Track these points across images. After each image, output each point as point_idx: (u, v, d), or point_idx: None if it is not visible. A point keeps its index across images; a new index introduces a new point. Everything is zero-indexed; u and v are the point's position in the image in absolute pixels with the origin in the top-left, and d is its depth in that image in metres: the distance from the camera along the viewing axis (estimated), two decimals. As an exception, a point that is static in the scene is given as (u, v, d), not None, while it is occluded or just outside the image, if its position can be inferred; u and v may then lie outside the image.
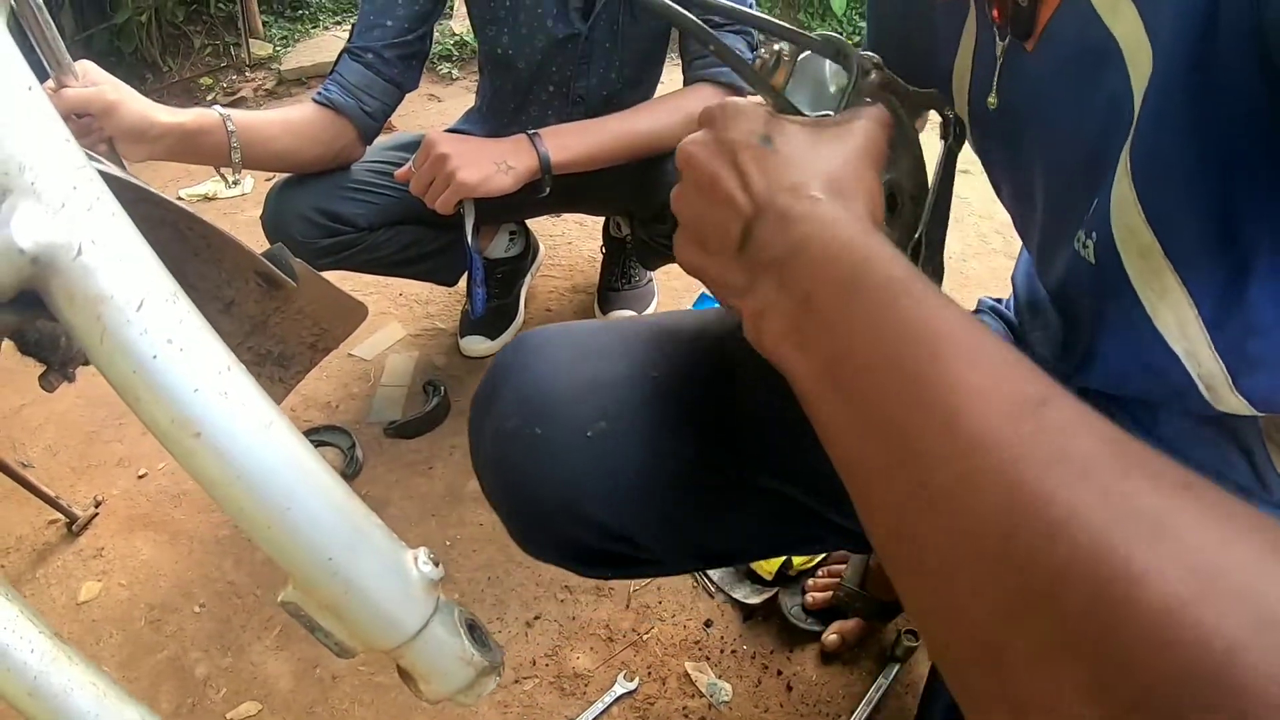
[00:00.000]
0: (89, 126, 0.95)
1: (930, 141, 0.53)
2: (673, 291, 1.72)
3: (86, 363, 0.43)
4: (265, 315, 0.55)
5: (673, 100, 1.22)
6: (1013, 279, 0.73)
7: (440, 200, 1.11)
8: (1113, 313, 0.52)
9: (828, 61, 0.50)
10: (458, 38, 2.91)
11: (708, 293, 1.45)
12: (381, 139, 1.32)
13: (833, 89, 0.50)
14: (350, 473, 1.34)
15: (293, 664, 1.08)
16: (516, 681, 1.05)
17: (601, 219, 1.65)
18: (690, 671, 1.05)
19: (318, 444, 1.37)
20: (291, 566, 0.34)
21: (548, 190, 1.15)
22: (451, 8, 3.03)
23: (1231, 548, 0.22)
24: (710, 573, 1.15)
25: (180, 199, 2.08)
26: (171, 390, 0.31)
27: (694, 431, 0.60)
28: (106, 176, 0.32)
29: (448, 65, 2.85)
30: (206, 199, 2.15)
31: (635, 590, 1.15)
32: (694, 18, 0.47)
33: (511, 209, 1.36)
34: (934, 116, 0.54)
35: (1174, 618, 0.21)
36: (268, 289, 0.53)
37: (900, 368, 0.31)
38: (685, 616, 1.12)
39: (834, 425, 0.34)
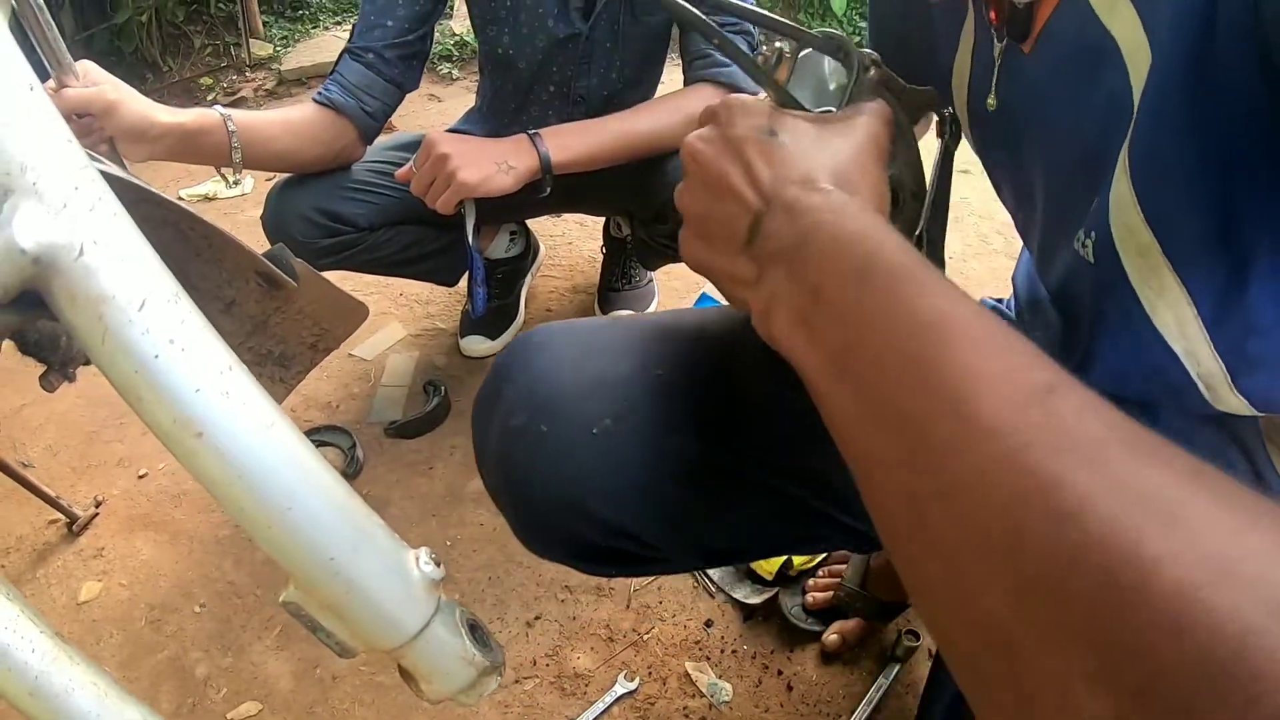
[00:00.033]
0: (90, 126, 0.95)
1: (928, 141, 0.53)
2: (673, 291, 1.72)
3: (87, 362, 0.43)
4: (266, 315, 0.55)
5: (673, 100, 1.22)
6: (1013, 279, 0.73)
7: (441, 200, 1.11)
8: (1112, 312, 0.52)
9: (827, 59, 0.50)
10: (458, 38, 2.91)
11: (708, 293, 1.45)
12: (382, 139, 1.32)
13: (832, 86, 0.50)
14: (351, 473, 1.34)
15: (293, 664, 1.08)
16: (517, 681, 1.05)
17: (602, 219, 1.65)
18: (691, 671, 1.05)
19: (318, 444, 1.37)
20: (293, 566, 0.34)
21: (548, 190, 1.15)
22: (452, 8, 3.03)
23: (1243, 534, 0.22)
24: (711, 573, 1.15)
25: (181, 199, 2.07)
26: (173, 390, 0.31)
27: (698, 429, 0.60)
28: (108, 177, 0.32)
29: (448, 65, 2.85)
30: (207, 199, 2.15)
31: (636, 590, 1.15)
32: (698, 12, 0.47)
33: (512, 209, 1.36)
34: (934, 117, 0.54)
35: (1187, 603, 0.21)
36: (268, 289, 0.53)
37: (909, 356, 0.31)
38: (686, 616, 1.12)
39: (843, 415, 0.34)
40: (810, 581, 1.10)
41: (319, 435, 1.40)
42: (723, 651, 1.07)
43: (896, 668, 1.04)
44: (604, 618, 1.12)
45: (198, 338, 0.32)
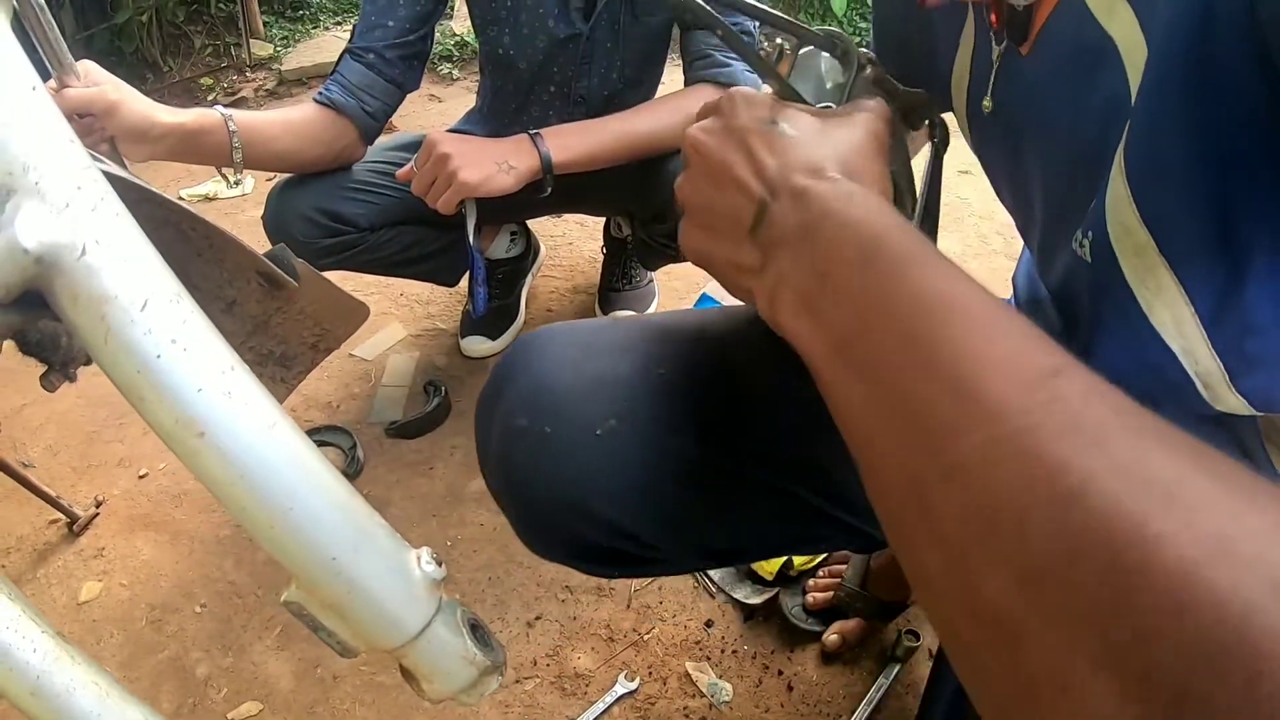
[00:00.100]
0: (91, 126, 0.95)
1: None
2: (673, 291, 1.72)
3: (88, 362, 0.43)
4: (267, 315, 0.55)
5: (674, 100, 1.23)
6: (1013, 279, 0.73)
7: (442, 200, 1.11)
8: (1109, 311, 0.52)
9: (825, 59, 0.50)
10: (458, 38, 2.91)
11: (709, 293, 1.45)
12: (382, 139, 1.32)
13: (829, 85, 0.51)
14: (351, 473, 1.34)
15: (294, 664, 1.08)
16: (517, 681, 1.05)
17: (602, 219, 1.65)
18: (691, 671, 1.05)
19: (319, 444, 1.37)
20: (295, 566, 0.34)
21: (549, 190, 1.16)
22: (452, 8, 3.03)
23: (1245, 515, 0.22)
24: (711, 573, 1.15)
25: (181, 199, 2.08)
26: (175, 390, 0.31)
27: (700, 428, 0.60)
28: (110, 176, 0.32)
29: (448, 65, 2.85)
30: (208, 199, 2.15)
31: (636, 590, 1.15)
32: (703, 4, 0.48)
33: (513, 209, 1.36)
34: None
35: (1189, 582, 0.21)
36: (269, 289, 0.54)
37: (914, 338, 0.31)
38: (686, 616, 1.12)
39: (848, 398, 0.34)
40: (810, 582, 1.10)
41: (320, 435, 1.40)
42: (723, 651, 1.08)
43: (897, 668, 1.04)
44: (604, 618, 1.12)
45: (200, 338, 0.32)
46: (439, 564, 0.38)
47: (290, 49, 3.01)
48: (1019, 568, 0.24)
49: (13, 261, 0.28)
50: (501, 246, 1.60)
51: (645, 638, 1.09)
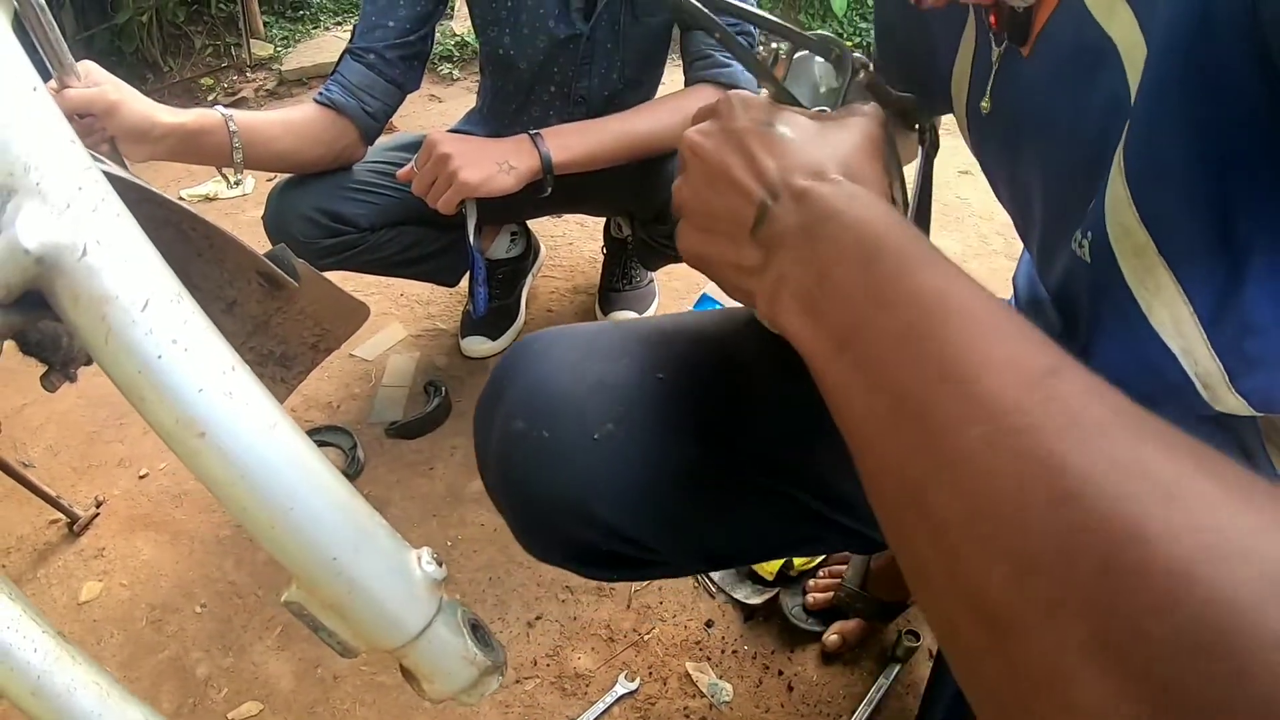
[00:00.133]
0: (91, 127, 0.95)
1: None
2: (673, 292, 1.72)
3: (88, 362, 0.43)
4: (267, 315, 0.55)
5: (673, 101, 1.23)
6: (1013, 279, 0.73)
7: (442, 200, 1.12)
8: (1109, 311, 0.52)
9: (819, 63, 0.51)
10: (459, 38, 2.91)
11: (709, 294, 1.45)
12: (383, 139, 1.32)
13: (824, 89, 0.51)
14: (352, 473, 1.34)
15: (294, 664, 1.08)
16: (518, 682, 1.05)
17: (602, 220, 1.65)
18: (691, 672, 1.05)
19: (319, 444, 1.36)
20: (295, 566, 0.34)
21: (550, 190, 1.16)
22: (453, 8, 3.03)
23: (1242, 513, 0.22)
24: (711, 573, 1.15)
25: (182, 199, 2.08)
26: (176, 390, 0.31)
27: (700, 432, 0.60)
28: (110, 177, 0.32)
29: (449, 66, 2.85)
30: (208, 199, 2.15)
31: (636, 591, 1.15)
32: (701, 7, 0.48)
33: (513, 209, 1.36)
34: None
35: (1185, 580, 0.21)
36: (270, 289, 0.54)
37: (914, 336, 0.31)
38: (686, 617, 1.12)
39: (848, 397, 0.34)
40: (811, 582, 1.10)
41: (320, 435, 1.40)
42: (723, 652, 1.08)
43: (897, 668, 1.04)
44: (605, 618, 1.12)
45: (200, 338, 0.32)
46: (439, 564, 0.38)
47: (290, 49, 3.01)
48: (1016, 564, 0.24)
49: (14, 262, 0.28)
50: (502, 247, 1.60)
51: (645, 638, 1.09)
